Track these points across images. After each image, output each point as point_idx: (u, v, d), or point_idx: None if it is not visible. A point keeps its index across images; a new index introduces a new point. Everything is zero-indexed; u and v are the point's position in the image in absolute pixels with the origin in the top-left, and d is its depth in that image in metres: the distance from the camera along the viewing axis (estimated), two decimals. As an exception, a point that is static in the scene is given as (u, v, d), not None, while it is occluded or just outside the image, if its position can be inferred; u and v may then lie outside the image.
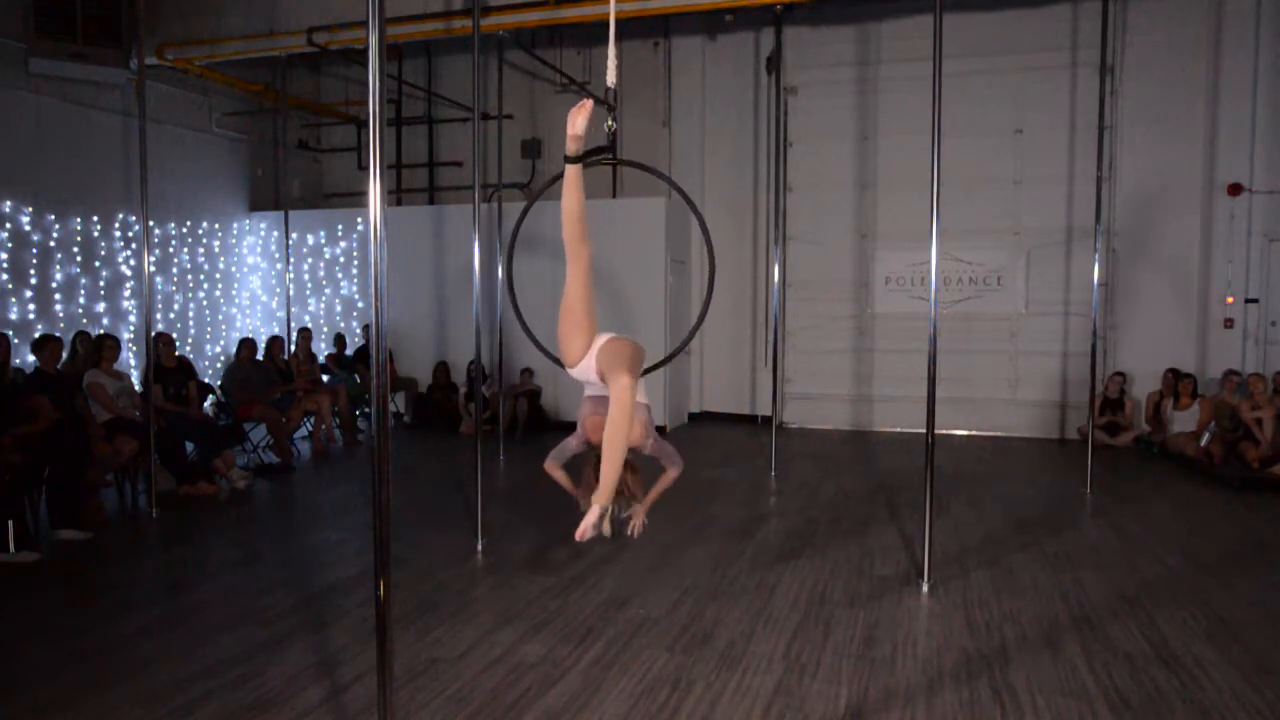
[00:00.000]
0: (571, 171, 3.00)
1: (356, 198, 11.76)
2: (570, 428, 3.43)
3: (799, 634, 4.01)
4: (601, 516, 2.74)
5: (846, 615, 4.25)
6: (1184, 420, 8.45)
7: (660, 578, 4.80)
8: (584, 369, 3.16)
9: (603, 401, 3.17)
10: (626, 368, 2.91)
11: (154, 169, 6.63)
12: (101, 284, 9.03)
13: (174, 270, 10.01)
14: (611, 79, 3.10)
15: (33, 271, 8.36)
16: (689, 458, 3.80)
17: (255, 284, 11.23)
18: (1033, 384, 9.80)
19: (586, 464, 3.25)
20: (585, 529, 2.73)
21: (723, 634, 4.01)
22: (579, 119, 2.98)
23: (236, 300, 10.96)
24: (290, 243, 10.22)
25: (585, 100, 3.05)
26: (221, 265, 10.71)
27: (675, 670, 3.63)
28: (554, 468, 3.53)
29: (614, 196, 10.69)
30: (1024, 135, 9.72)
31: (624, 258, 9.62)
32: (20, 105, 8.25)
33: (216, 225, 10.63)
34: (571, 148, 3.00)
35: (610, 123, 3.16)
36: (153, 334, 6.48)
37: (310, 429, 8.88)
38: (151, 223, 6.71)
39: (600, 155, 3.08)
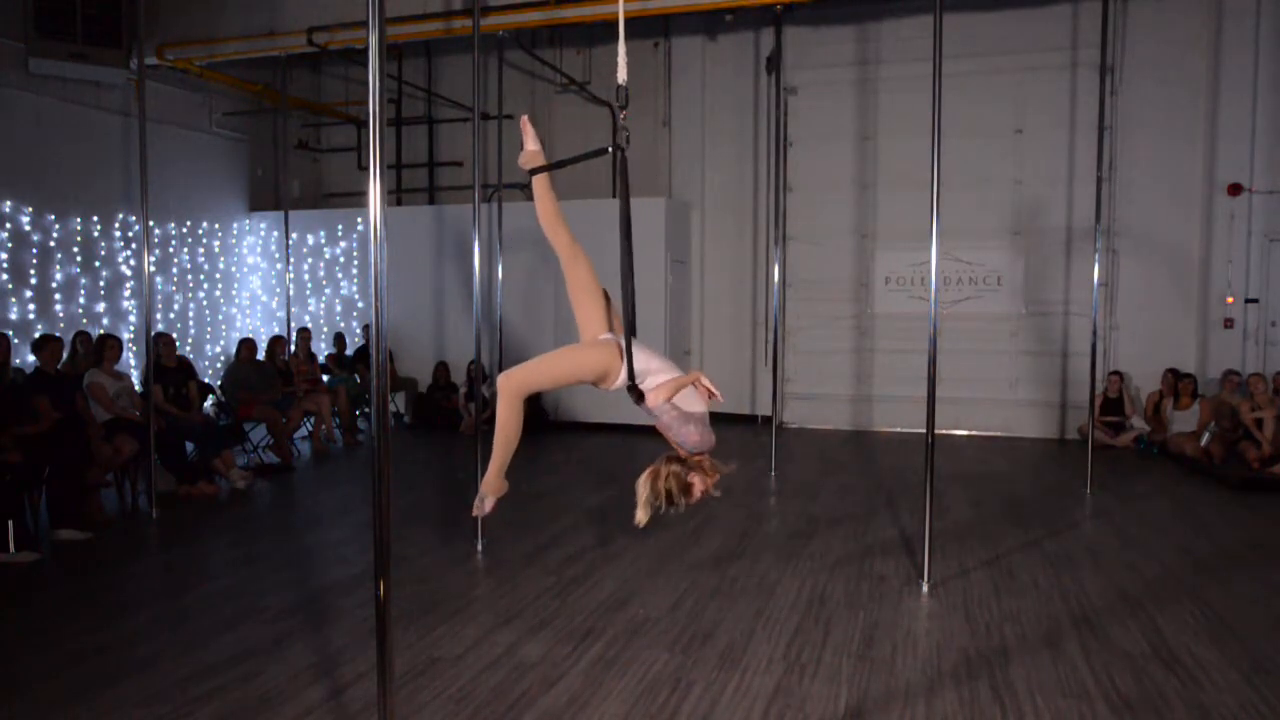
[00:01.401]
0: (535, 181, 3.23)
1: (356, 198, 11.75)
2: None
3: (799, 634, 4.01)
4: (482, 500, 2.96)
5: (846, 615, 4.25)
6: (1184, 420, 8.45)
7: (660, 578, 4.80)
8: None
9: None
10: (524, 366, 2.96)
11: (154, 169, 6.61)
12: (101, 284, 9.03)
13: (174, 270, 10.01)
14: (622, 76, 3.13)
15: (33, 271, 8.36)
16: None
17: (255, 284, 11.23)
18: (1033, 384, 9.79)
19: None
20: (477, 510, 2.99)
21: (723, 634, 4.01)
22: (524, 137, 3.31)
23: (236, 300, 10.96)
24: (290, 243, 10.22)
25: (522, 116, 3.39)
26: (221, 265, 10.71)
27: (675, 670, 3.63)
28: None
29: (614, 196, 10.69)
30: (1024, 135, 9.71)
31: (624, 258, 9.61)
32: (20, 105, 8.25)
33: (216, 225, 10.63)
34: (521, 160, 3.29)
35: (623, 121, 3.22)
36: (153, 334, 6.49)
37: (310, 429, 8.88)
38: (151, 223, 6.70)
39: (559, 164, 3.27)
